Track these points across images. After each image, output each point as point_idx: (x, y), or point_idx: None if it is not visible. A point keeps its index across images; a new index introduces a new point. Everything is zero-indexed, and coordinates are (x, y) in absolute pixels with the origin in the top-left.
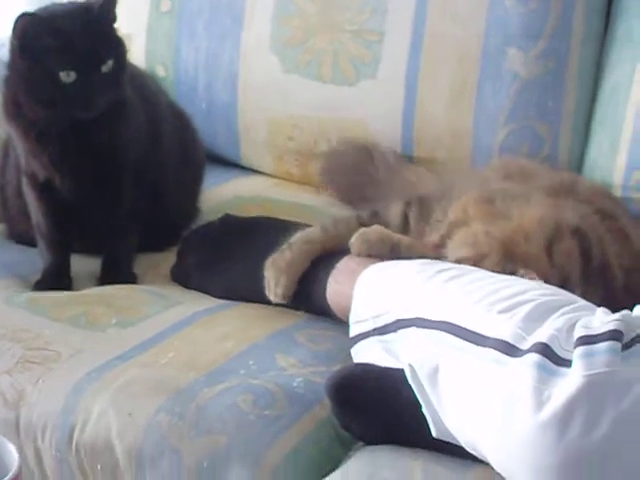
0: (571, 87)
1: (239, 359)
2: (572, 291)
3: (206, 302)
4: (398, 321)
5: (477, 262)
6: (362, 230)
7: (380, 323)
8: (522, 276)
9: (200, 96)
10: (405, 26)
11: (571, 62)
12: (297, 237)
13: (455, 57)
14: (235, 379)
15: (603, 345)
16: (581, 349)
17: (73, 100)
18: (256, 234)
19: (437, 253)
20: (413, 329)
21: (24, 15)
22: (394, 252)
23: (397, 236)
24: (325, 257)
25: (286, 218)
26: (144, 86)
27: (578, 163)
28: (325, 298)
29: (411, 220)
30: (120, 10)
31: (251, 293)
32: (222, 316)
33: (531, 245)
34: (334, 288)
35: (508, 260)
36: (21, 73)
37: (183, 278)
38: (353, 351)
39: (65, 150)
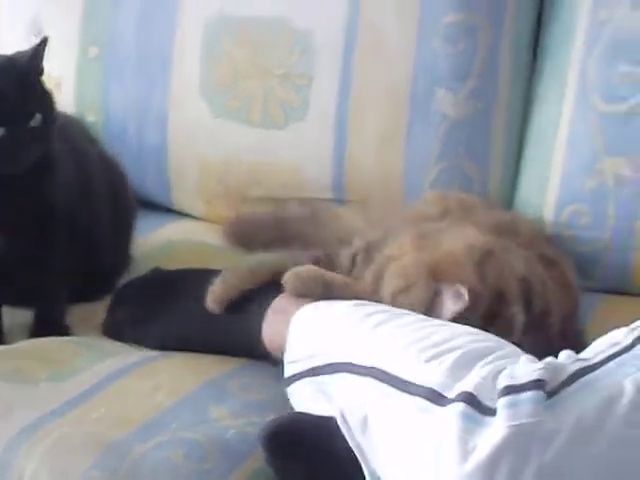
0: (500, 126)
1: (171, 412)
2: (512, 313)
3: (138, 354)
4: (331, 365)
5: (409, 291)
6: (295, 269)
7: (313, 364)
8: (452, 295)
9: (130, 140)
10: (333, 69)
11: (499, 101)
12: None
13: (384, 99)
14: (167, 433)
15: (527, 395)
16: (505, 399)
17: (1, 156)
18: (187, 285)
19: (372, 292)
20: (344, 374)
21: None
22: (327, 291)
23: (330, 275)
24: (259, 292)
25: (215, 267)
26: (72, 136)
27: (508, 201)
28: (260, 336)
29: (358, 263)
30: (49, 55)
31: (185, 342)
32: (154, 367)
33: (460, 265)
34: (269, 327)
35: (436, 282)
36: None
37: (116, 332)
38: (289, 391)
39: None
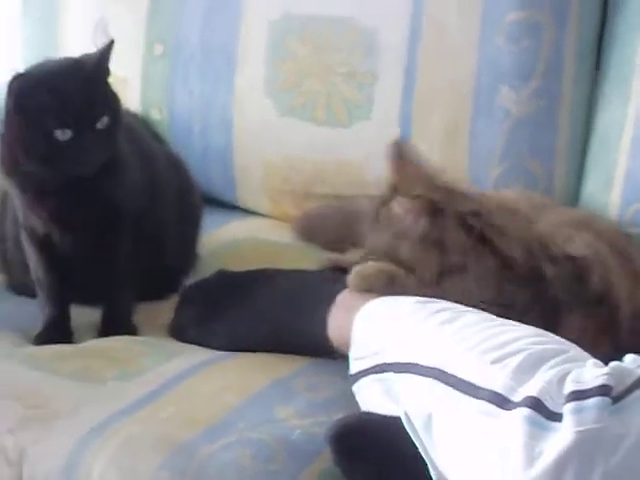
0: (564, 125)
1: (238, 412)
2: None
3: (205, 353)
4: (395, 364)
5: None
6: (359, 266)
7: (378, 361)
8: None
9: (195, 139)
10: (397, 67)
11: (563, 100)
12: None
13: (448, 97)
14: (234, 433)
15: (593, 400)
16: (571, 405)
17: (69, 158)
18: (251, 286)
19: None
20: (408, 375)
21: (18, 76)
22: (390, 286)
23: (393, 269)
24: (324, 286)
25: (281, 264)
26: (139, 136)
27: (573, 200)
28: (326, 333)
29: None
30: (114, 54)
31: (251, 342)
32: (221, 367)
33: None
34: (334, 324)
35: None
36: (17, 132)
37: (181, 333)
38: (355, 388)
39: (63, 206)
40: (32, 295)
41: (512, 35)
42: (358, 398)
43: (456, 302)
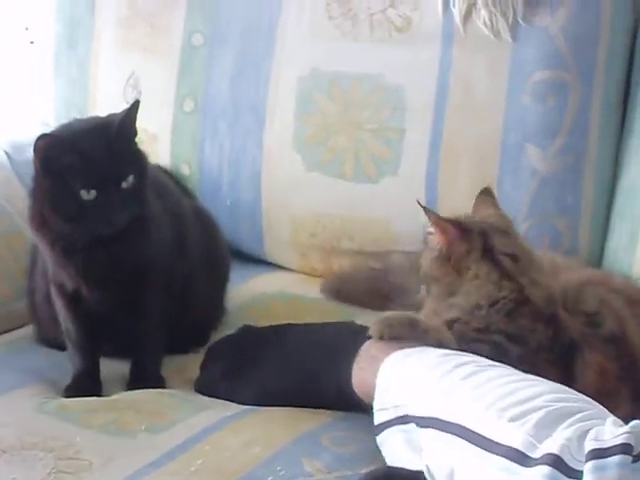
0: (589, 182)
1: (266, 465)
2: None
3: (232, 407)
4: (416, 417)
5: None
6: (382, 316)
7: (402, 412)
8: None
9: (224, 193)
10: (425, 124)
11: (589, 157)
12: None
13: (474, 154)
14: None
15: (614, 459)
16: (592, 463)
17: (94, 217)
18: (276, 340)
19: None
20: (430, 430)
21: (44, 136)
22: (413, 330)
23: (414, 316)
24: (347, 339)
25: (309, 319)
26: (168, 192)
27: (598, 256)
28: (351, 384)
29: None
30: (145, 111)
31: (279, 398)
32: (248, 421)
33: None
34: (358, 375)
35: None
36: (44, 190)
37: (209, 389)
38: (379, 439)
39: (91, 263)
40: (61, 348)
41: (538, 94)
42: (382, 449)
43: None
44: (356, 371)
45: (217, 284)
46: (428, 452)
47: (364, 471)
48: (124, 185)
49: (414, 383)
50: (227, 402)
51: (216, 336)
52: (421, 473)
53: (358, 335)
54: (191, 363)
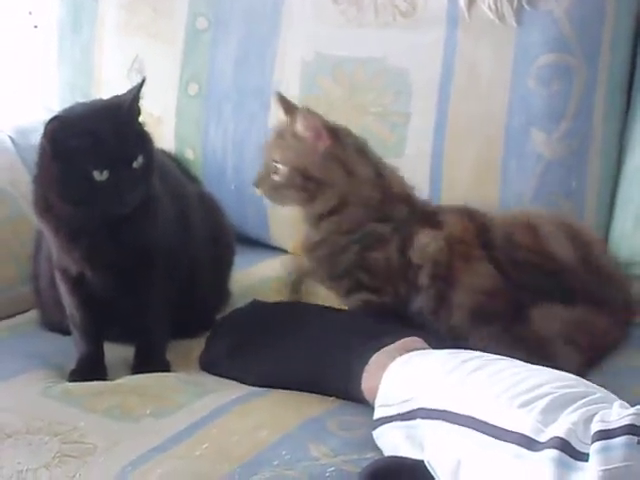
0: (595, 167)
1: (272, 449)
2: None
3: (239, 390)
4: (422, 410)
5: None
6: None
7: (404, 409)
8: None
9: (229, 178)
10: (429, 107)
11: (594, 142)
12: None
13: (479, 137)
14: (269, 471)
15: (619, 440)
16: (598, 444)
17: (106, 198)
18: (287, 319)
19: None
20: (440, 422)
21: (54, 119)
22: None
23: None
24: (359, 345)
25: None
26: (172, 175)
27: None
28: (360, 387)
29: None
30: (150, 95)
31: (285, 381)
32: (254, 405)
33: None
34: (369, 380)
35: None
36: (53, 174)
37: (213, 366)
38: (375, 434)
39: (96, 246)
40: (66, 332)
41: (543, 78)
42: (379, 442)
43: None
44: (366, 378)
45: (222, 268)
46: (432, 447)
47: (370, 455)
48: (135, 165)
49: (422, 378)
50: (233, 384)
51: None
52: (422, 462)
53: (369, 340)
54: (196, 347)
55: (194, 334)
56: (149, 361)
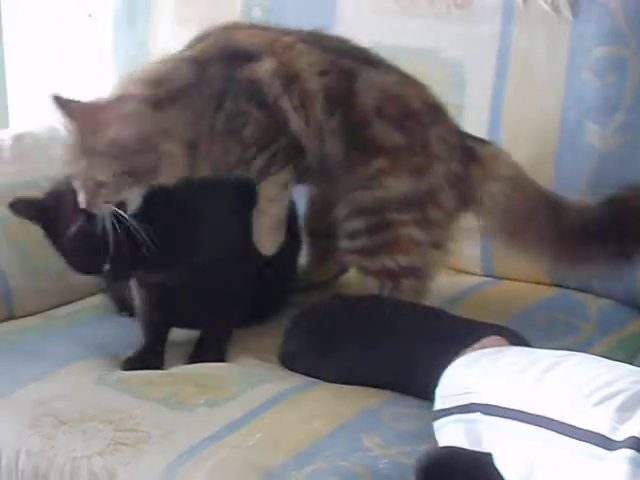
0: None
1: (326, 440)
2: None
3: (293, 380)
4: (488, 406)
5: None
6: None
7: (466, 401)
8: None
9: None
10: (484, 100)
11: None
12: None
13: (534, 129)
14: (322, 461)
15: None
16: None
17: None
18: (367, 315)
19: None
20: (511, 421)
21: None
22: None
23: None
24: (443, 347)
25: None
26: None
27: None
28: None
29: None
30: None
31: (365, 377)
32: (309, 394)
33: None
34: None
35: None
36: None
37: (292, 362)
38: (435, 425)
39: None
40: (132, 313)
41: (597, 70)
42: (437, 435)
43: None
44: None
45: (288, 259)
46: (501, 445)
47: (423, 448)
48: None
49: (491, 373)
50: (287, 374)
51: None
52: (485, 455)
53: (455, 336)
54: (254, 336)
55: (253, 323)
56: (208, 351)
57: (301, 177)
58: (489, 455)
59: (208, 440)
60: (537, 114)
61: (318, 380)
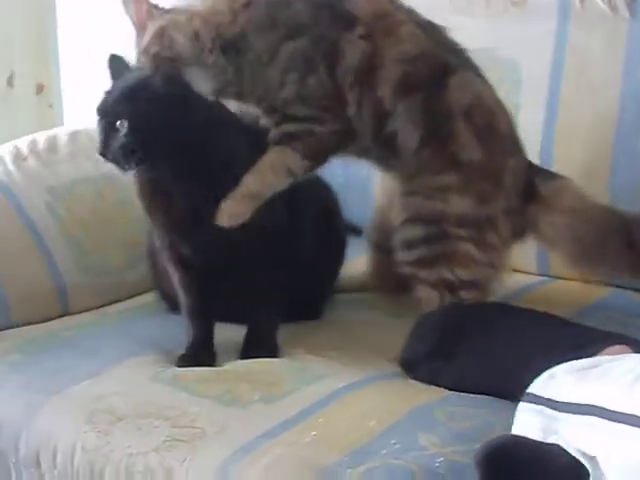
0: None
1: (381, 438)
2: None
3: (347, 377)
4: (595, 407)
5: None
6: None
7: (558, 398)
8: None
9: (337, 168)
10: (539, 99)
11: None
12: None
13: (589, 130)
14: (377, 459)
15: None
16: None
17: None
18: (486, 324)
19: None
20: (620, 425)
21: None
22: None
23: None
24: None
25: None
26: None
27: None
28: None
29: None
30: None
31: (484, 385)
32: (364, 392)
33: None
34: None
35: None
36: None
37: (411, 368)
38: (519, 406)
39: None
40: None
41: None
42: (515, 418)
43: None
44: None
45: (333, 257)
46: (593, 443)
47: (478, 447)
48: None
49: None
50: (341, 370)
51: (330, 307)
52: (552, 446)
53: (578, 346)
54: (304, 331)
55: (304, 319)
56: (258, 346)
57: (360, 155)
58: (556, 447)
59: (263, 437)
60: (593, 114)
61: (371, 377)
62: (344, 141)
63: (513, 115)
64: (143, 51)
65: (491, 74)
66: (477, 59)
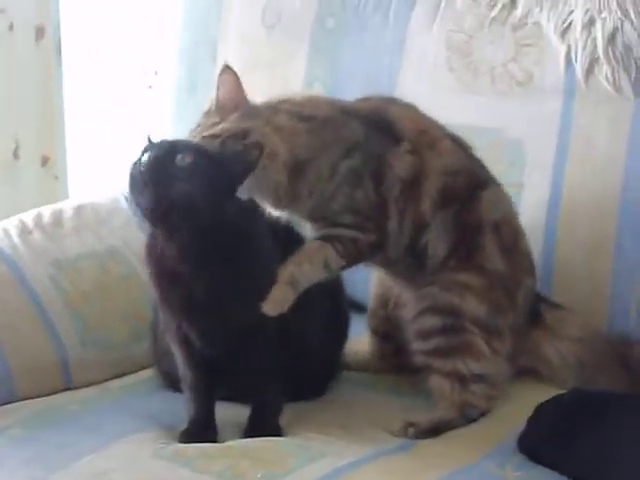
0: None
1: None
2: None
3: (349, 455)
4: None
5: None
6: None
7: None
8: None
9: None
10: (544, 179)
11: None
12: None
13: (594, 209)
14: None
15: None
16: None
17: None
18: (608, 412)
19: None
20: None
21: None
22: None
23: None
24: None
25: None
26: (286, 236)
27: None
28: None
29: None
30: None
31: (604, 474)
32: (364, 472)
33: None
34: None
35: None
36: None
37: (532, 449)
38: None
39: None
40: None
41: None
42: None
43: None
44: None
45: (336, 336)
46: None
47: None
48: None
49: None
50: (343, 449)
51: (335, 386)
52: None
53: None
54: (308, 410)
55: (307, 398)
56: (262, 426)
57: (386, 265)
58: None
59: None
60: (597, 193)
61: (372, 456)
62: (376, 252)
63: (516, 194)
64: (215, 134)
65: (495, 153)
66: (482, 138)
